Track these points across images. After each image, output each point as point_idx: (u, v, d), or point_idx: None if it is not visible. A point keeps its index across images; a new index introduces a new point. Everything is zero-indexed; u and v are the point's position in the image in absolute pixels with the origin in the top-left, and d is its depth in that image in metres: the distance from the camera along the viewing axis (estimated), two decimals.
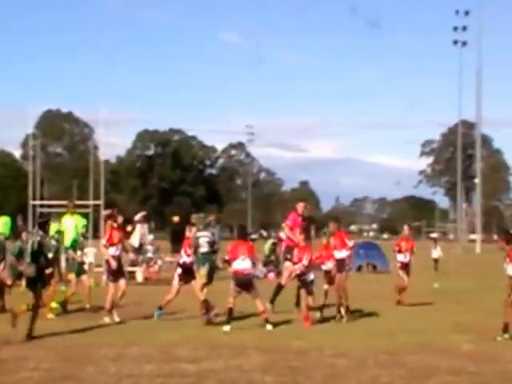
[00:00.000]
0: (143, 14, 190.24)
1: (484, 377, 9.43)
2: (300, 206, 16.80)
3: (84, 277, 16.29)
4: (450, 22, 79.84)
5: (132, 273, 24.19)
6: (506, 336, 12.33)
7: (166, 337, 12.53)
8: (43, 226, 13.44)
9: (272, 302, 14.89)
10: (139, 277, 24.21)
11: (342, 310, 14.61)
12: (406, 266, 17.72)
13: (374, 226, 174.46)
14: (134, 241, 24.44)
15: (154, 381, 9.09)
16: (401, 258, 17.77)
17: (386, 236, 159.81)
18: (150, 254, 25.24)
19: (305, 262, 14.16)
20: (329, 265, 14.97)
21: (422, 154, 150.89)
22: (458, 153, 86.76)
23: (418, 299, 18.72)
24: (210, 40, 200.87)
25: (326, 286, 14.97)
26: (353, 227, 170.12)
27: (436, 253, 34.45)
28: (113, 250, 14.84)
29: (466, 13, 76.73)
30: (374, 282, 25.45)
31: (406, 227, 19.20)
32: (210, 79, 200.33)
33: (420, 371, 9.70)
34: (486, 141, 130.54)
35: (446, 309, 16.85)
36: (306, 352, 11.08)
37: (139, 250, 24.88)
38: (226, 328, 13.26)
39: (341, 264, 15.04)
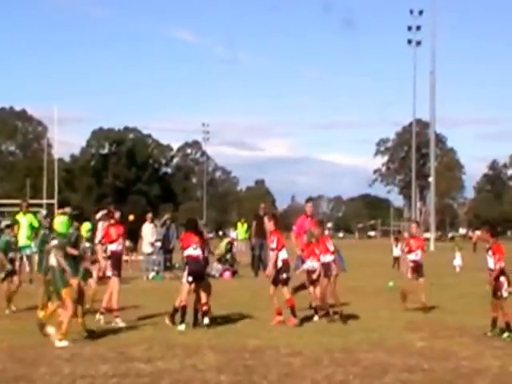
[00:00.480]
0: (95, 12, 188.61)
1: (437, 374, 9.57)
2: (307, 207, 16.60)
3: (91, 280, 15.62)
4: (404, 21, 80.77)
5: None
6: (496, 331, 12.53)
7: (120, 336, 12.46)
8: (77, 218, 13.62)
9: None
10: (94, 275, 23.99)
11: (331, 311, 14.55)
12: (419, 266, 16.65)
13: (330, 224, 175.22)
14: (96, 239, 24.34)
15: (108, 381, 9.05)
16: (412, 256, 16.76)
17: (341, 235, 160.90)
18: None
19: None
20: (310, 264, 14.82)
21: (377, 152, 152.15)
22: (412, 152, 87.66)
23: (373, 298, 18.90)
24: (165, 38, 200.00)
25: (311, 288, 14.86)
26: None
27: (397, 251, 34.72)
28: (114, 246, 14.58)
29: (420, 12, 77.49)
30: None
31: (413, 225, 18.13)
32: (164, 77, 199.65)
33: (374, 369, 9.80)
34: (440, 140, 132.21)
35: (400, 307, 16.98)
36: (262, 351, 11.10)
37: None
38: (181, 327, 13.21)
39: (326, 268, 14.87)
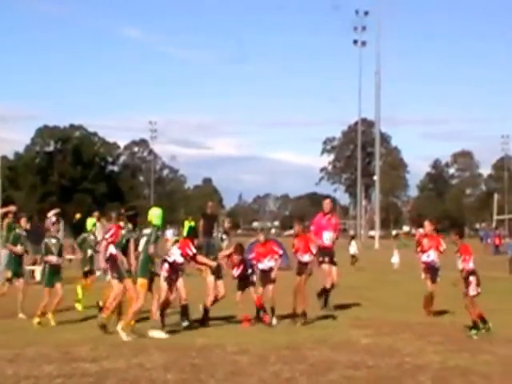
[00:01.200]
0: (42, 8, 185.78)
1: (381, 370, 9.68)
2: (325, 204, 16.29)
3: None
4: (350, 22, 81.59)
5: (32, 271, 23.91)
6: (482, 331, 12.57)
7: (66, 336, 12.33)
8: (133, 218, 13.55)
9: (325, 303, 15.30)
10: (38, 275, 23.66)
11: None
12: (431, 268, 15.64)
13: (276, 223, 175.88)
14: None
15: (53, 381, 8.93)
16: (424, 258, 15.72)
17: (287, 233, 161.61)
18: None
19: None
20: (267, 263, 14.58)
21: (324, 151, 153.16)
22: (357, 150, 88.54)
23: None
24: (112, 35, 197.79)
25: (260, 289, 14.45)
26: (255, 224, 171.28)
27: (352, 249, 35.02)
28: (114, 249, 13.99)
29: (366, 13, 78.30)
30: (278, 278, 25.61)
31: (426, 222, 16.57)
32: (111, 75, 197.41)
33: (320, 366, 9.87)
34: (385, 139, 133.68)
35: (345, 304, 17.15)
36: (209, 349, 11.10)
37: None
38: (185, 323, 13.24)
39: (303, 267, 14.64)
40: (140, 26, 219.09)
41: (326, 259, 15.27)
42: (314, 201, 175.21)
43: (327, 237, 15.44)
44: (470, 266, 12.84)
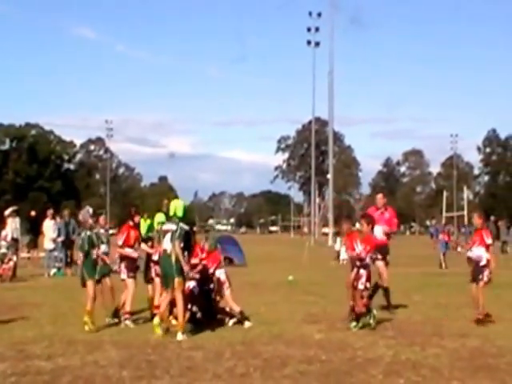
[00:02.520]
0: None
1: (334, 364, 9.72)
2: (378, 199, 15.83)
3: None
4: (304, 23, 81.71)
5: None
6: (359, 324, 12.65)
7: (20, 334, 12.14)
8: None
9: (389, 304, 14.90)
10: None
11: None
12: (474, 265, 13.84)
13: (232, 220, 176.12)
14: (3, 235, 23.99)
15: (7, 380, 8.79)
16: (471, 253, 14.01)
17: (243, 230, 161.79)
18: (3, 250, 24.29)
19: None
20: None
21: (278, 149, 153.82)
22: (311, 149, 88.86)
23: (273, 291, 19.07)
24: (67, 35, 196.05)
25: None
26: (211, 221, 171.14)
27: (338, 245, 35.05)
28: (130, 251, 13.93)
29: (319, 14, 78.54)
30: (231, 274, 25.61)
31: (476, 215, 14.29)
32: (67, 74, 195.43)
33: (274, 361, 9.87)
34: (338, 138, 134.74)
35: (299, 300, 17.22)
36: (164, 346, 11.04)
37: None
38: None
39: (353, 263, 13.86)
40: (94, 27, 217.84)
41: (379, 256, 14.76)
42: (268, 199, 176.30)
43: (379, 231, 14.93)
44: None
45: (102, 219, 14.94)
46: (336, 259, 33.58)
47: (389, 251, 15.28)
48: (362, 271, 12.85)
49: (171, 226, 12.22)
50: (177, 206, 12.46)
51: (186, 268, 12.03)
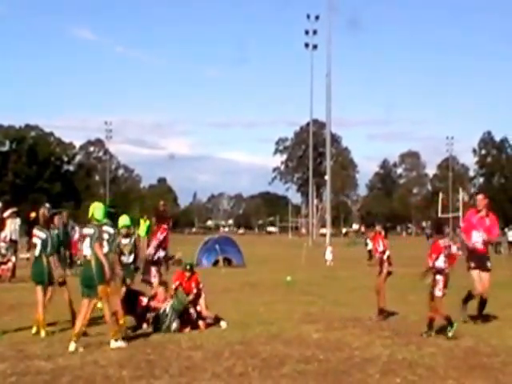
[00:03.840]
0: None
1: (331, 363, 9.74)
2: (479, 200, 13.95)
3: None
4: (302, 25, 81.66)
5: None
6: (431, 332, 12.13)
7: (20, 334, 12.15)
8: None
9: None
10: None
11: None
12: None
13: (230, 221, 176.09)
14: (2, 236, 23.99)
15: (7, 380, 8.79)
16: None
17: (241, 231, 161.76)
18: (3, 251, 24.31)
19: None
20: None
21: (276, 151, 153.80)
22: (309, 151, 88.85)
23: (271, 292, 19.09)
24: (66, 37, 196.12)
25: None
26: (209, 223, 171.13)
27: (371, 244, 34.84)
28: (162, 253, 14.35)
29: (317, 17, 78.60)
30: (230, 275, 25.67)
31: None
32: (66, 76, 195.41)
33: (273, 360, 9.90)
34: (336, 140, 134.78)
35: (297, 300, 17.24)
36: (163, 345, 11.05)
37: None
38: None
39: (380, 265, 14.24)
40: (93, 28, 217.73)
41: (472, 264, 13.41)
42: (266, 200, 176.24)
43: (476, 238, 13.52)
44: (439, 264, 12.02)
45: (56, 219, 14.80)
46: (369, 259, 33.23)
47: (488, 259, 13.76)
48: (439, 277, 11.95)
49: (89, 231, 11.34)
50: (95, 208, 11.65)
51: (108, 273, 11.09)
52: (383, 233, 14.55)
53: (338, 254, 40.17)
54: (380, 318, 13.97)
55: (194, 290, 13.13)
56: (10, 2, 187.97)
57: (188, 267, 13.44)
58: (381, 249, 14.30)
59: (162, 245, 15.29)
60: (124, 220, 14.21)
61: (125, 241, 13.83)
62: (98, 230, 11.32)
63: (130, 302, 12.93)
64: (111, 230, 12.17)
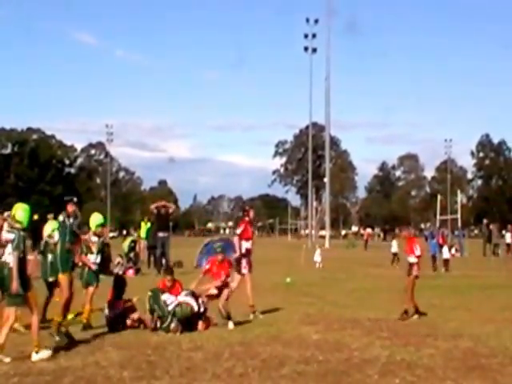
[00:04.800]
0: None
1: (331, 364, 9.75)
2: None
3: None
4: (301, 29, 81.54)
5: None
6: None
7: (22, 335, 12.13)
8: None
9: None
10: None
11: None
12: None
13: (230, 223, 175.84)
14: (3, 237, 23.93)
15: (9, 380, 8.80)
16: None
17: None
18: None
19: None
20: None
21: (276, 154, 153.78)
22: (308, 153, 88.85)
23: (271, 293, 19.07)
24: (67, 40, 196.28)
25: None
26: (210, 225, 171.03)
27: (394, 248, 34.69)
28: (248, 244, 14.92)
29: (316, 21, 78.52)
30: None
31: None
32: (68, 79, 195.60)
33: (272, 361, 9.90)
34: (335, 142, 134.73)
35: (296, 301, 17.24)
36: (164, 347, 11.06)
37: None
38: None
39: (410, 268, 14.69)
40: (94, 32, 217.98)
41: None
42: (266, 202, 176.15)
43: None
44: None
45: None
46: (396, 262, 33.01)
47: None
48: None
49: (9, 236, 10.32)
50: (17, 209, 10.67)
51: (15, 287, 9.94)
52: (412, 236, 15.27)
53: (337, 256, 40.21)
54: (403, 318, 14.07)
55: (222, 278, 13.34)
56: (12, 6, 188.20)
57: (219, 249, 13.87)
58: (418, 253, 14.61)
59: None
60: (97, 219, 14.00)
61: (94, 239, 13.76)
62: (19, 235, 10.26)
63: (119, 288, 13.18)
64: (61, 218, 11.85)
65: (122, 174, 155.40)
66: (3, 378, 8.91)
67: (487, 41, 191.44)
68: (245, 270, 14.72)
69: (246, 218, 15.27)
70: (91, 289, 13.36)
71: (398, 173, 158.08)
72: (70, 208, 12.87)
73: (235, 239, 15.17)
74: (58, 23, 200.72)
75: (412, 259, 14.66)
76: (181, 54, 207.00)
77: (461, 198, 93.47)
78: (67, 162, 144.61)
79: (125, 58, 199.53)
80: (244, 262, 14.79)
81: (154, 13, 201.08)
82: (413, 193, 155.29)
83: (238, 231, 15.10)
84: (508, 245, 43.64)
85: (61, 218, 12.68)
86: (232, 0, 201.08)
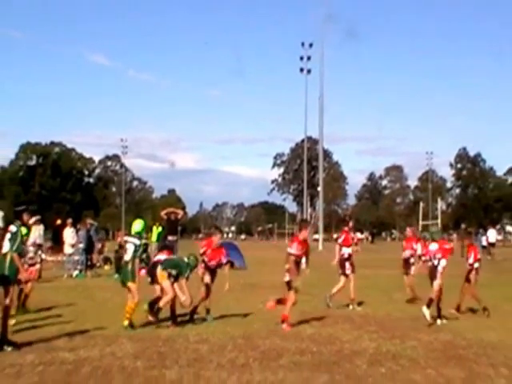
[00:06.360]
0: (14, 34, 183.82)
1: (324, 355, 9.76)
2: None
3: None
4: (297, 52, 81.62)
5: None
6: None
7: (45, 329, 12.17)
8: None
9: None
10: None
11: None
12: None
13: (233, 228, 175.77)
14: (31, 241, 24.10)
15: (35, 369, 8.82)
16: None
17: (243, 237, 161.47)
18: (31, 254, 24.33)
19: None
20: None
21: (274, 165, 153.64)
22: (304, 165, 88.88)
23: (269, 292, 19.06)
24: (83, 62, 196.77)
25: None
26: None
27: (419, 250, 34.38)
28: (349, 250, 16.01)
29: (310, 45, 78.54)
30: (233, 276, 25.60)
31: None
32: (87, 97, 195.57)
33: (271, 353, 9.91)
34: (327, 154, 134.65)
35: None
36: (173, 339, 11.07)
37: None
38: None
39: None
40: (108, 54, 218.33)
41: None
42: (266, 209, 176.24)
43: None
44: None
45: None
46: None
47: None
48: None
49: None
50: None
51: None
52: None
53: (329, 258, 40.00)
54: (456, 314, 14.06)
55: (224, 260, 13.64)
56: (38, 33, 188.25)
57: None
58: (471, 261, 14.52)
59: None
60: (140, 225, 13.25)
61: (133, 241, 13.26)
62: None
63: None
64: (14, 229, 10.64)
65: (135, 183, 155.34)
66: (30, 367, 8.93)
67: (469, 60, 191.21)
68: (348, 271, 15.79)
69: (346, 228, 16.32)
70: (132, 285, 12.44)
71: (384, 182, 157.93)
72: (26, 217, 11.28)
73: (336, 247, 16.21)
74: (75, 47, 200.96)
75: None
76: (186, 73, 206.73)
77: (441, 205, 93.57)
78: (86, 172, 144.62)
79: (136, 77, 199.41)
80: (347, 264, 15.80)
81: (160, 36, 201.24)
82: (398, 200, 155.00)
83: (340, 240, 16.07)
84: (483, 247, 43.55)
85: (13, 228, 10.67)
86: (234, 22, 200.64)
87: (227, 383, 8.10)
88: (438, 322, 13.08)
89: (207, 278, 13.47)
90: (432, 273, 13.32)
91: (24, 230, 11.52)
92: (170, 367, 8.95)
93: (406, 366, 9.09)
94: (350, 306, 15.50)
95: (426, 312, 12.71)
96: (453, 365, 9.13)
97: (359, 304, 15.89)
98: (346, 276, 15.82)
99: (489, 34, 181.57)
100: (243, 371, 8.73)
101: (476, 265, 14.40)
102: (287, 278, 12.62)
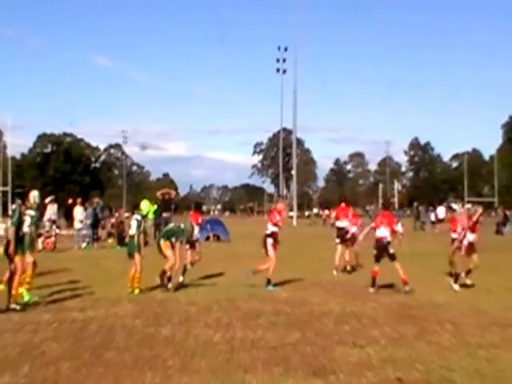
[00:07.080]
0: (30, 41, 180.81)
1: (296, 316, 9.77)
2: None
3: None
4: (273, 54, 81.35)
5: None
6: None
7: (60, 292, 12.03)
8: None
9: None
10: (39, 245, 23.15)
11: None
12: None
13: (219, 206, 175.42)
14: (46, 217, 24.06)
15: (50, 326, 8.83)
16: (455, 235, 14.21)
17: (227, 214, 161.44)
18: (47, 228, 24.25)
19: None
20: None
21: (254, 152, 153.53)
22: (280, 152, 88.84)
23: (250, 261, 19.05)
24: (87, 64, 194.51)
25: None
26: (203, 208, 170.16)
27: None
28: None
29: (286, 49, 78.25)
30: (219, 248, 25.62)
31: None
32: (92, 95, 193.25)
33: (251, 313, 9.90)
34: (300, 143, 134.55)
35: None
36: (167, 302, 11.03)
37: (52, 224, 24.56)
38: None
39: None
40: (110, 56, 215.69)
41: None
42: (247, 190, 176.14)
43: None
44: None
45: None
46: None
47: None
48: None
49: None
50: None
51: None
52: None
53: (302, 232, 40.17)
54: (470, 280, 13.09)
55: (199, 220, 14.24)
56: (46, 38, 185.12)
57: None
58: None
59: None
60: (148, 205, 13.23)
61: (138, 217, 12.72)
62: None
63: None
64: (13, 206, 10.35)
65: (134, 167, 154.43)
66: (46, 324, 8.90)
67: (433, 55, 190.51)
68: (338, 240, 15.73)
69: (342, 204, 16.32)
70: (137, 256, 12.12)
71: (348, 167, 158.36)
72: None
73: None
74: (82, 50, 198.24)
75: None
76: (178, 72, 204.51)
77: (397, 186, 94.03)
78: (93, 159, 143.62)
79: (135, 76, 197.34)
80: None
81: (156, 38, 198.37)
82: (360, 182, 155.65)
83: (333, 215, 16.08)
84: (433, 222, 43.83)
85: (14, 206, 10.55)
86: (224, 20, 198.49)
87: (213, 339, 8.06)
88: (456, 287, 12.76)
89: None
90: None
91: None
92: (164, 325, 8.91)
93: (367, 324, 9.12)
94: (334, 272, 15.46)
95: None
96: (406, 322, 9.17)
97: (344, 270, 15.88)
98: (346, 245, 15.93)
99: (440, 25, 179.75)
100: (227, 329, 8.71)
101: (454, 235, 14.08)
102: (271, 250, 12.94)
